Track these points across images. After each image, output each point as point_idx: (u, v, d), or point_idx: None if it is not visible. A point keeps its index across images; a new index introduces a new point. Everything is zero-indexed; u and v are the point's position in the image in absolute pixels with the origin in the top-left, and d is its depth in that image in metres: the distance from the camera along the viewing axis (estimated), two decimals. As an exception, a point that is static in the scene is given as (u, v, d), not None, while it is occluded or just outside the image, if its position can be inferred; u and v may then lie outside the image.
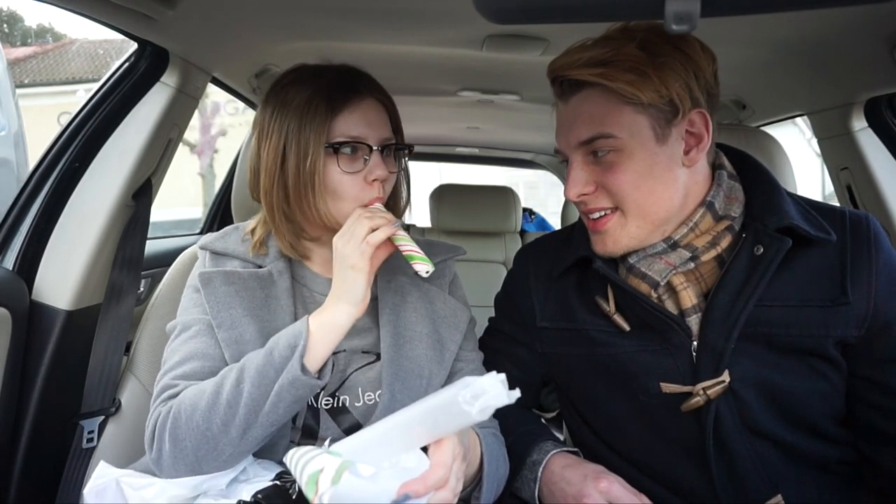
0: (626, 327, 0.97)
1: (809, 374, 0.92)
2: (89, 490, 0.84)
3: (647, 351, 0.96)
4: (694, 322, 0.94)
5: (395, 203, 1.06)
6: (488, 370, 1.05)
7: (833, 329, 0.90)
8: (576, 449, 1.01)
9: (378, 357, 0.98)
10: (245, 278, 0.97)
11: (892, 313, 0.90)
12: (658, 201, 0.92)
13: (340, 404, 0.95)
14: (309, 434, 0.94)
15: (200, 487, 0.83)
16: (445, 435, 0.71)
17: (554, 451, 0.98)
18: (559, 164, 3.86)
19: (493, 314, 1.20)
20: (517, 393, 0.63)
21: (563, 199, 2.97)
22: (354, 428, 0.93)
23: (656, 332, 0.95)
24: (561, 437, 1.37)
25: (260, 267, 0.99)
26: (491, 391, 0.63)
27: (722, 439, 0.92)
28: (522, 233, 3.06)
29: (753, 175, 0.99)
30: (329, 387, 0.95)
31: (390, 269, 1.03)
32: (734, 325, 0.90)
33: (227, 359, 0.91)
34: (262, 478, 0.86)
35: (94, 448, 1.13)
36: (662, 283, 0.94)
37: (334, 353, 0.96)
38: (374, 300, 1.00)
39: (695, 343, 0.93)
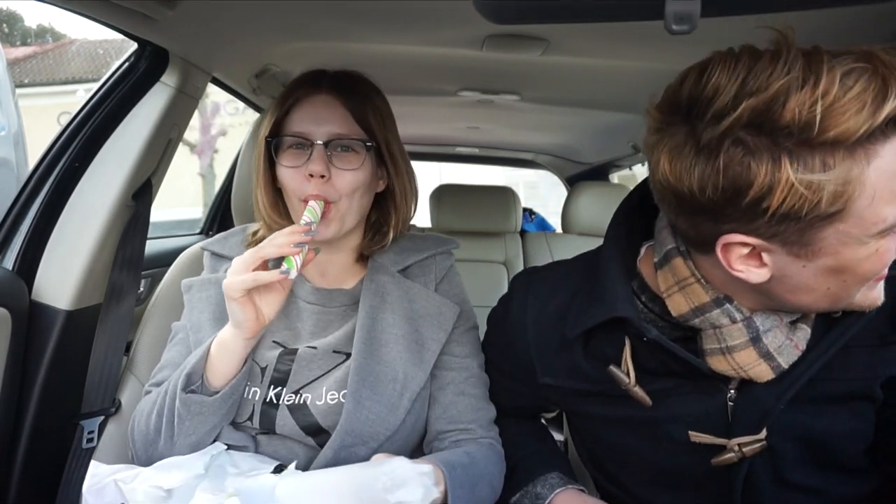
0: (649, 402, 0.84)
1: (849, 417, 0.85)
2: (87, 490, 0.85)
3: (674, 396, 0.86)
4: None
5: (394, 212, 1.04)
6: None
7: (882, 369, 0.83)
8: (581, 487, 0.97)
9: (348, 356, 0.97)
10: (221, 283, 0.97)
11: None
12: None
13: (302, 401, 0.94)
14: (268, 429, 0.94)
15: (179, 469, 0.85)
16: None
17: (559, 490, 0.94)
18: (559, 164, 3.86)
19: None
20: (435, 494, 0.63)
21: (563, 199, 2.97)
22: (312, 426, 0.93)
23: (687, 379, 0.85)
24: (561, 438, 1.37)
25: None
26: (410, 485, 0.63)
27: (751, 494, 0.85)
28: (523, 233, 3.06)
29: None
30: (293, 384, 0.95)
31: (372, 268, 1.03)
32: (791, 386, 0.80)
33: None
34: (259, 470, 0.87)
35: (93, 448, 1.12)
36: (785, 367, 0.79)
37: (294, 351, 0.97)
38: (357, 304, 1.01)
39: (731, 392, 0.84)
